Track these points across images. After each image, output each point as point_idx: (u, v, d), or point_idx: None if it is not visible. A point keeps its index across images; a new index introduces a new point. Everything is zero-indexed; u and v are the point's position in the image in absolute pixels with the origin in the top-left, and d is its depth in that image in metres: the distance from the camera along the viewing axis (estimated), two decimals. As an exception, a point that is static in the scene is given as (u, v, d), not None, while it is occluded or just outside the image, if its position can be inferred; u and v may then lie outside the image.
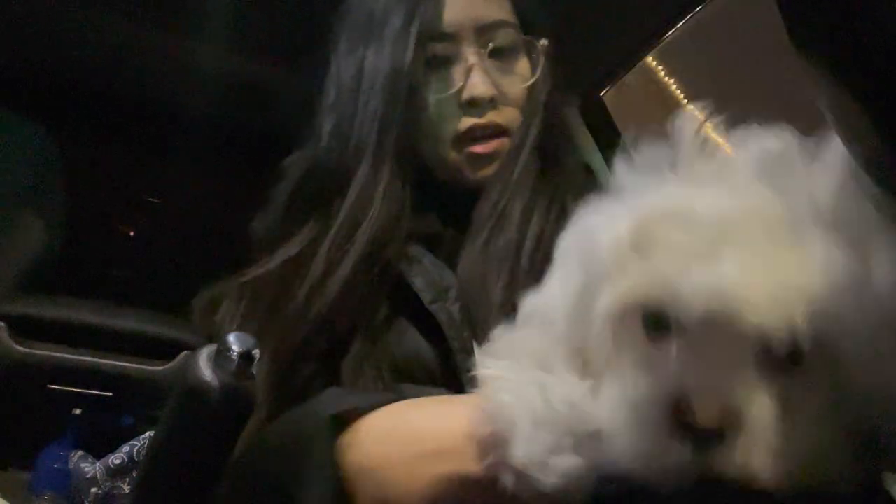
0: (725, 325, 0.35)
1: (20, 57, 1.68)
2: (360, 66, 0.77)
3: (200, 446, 0.55)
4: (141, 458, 1.27)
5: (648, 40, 1.35)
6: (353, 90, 0.78)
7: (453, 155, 0.77)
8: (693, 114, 0.43)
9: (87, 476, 1.29)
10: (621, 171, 0.44)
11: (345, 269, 0.70)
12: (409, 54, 0.74)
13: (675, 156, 0.43)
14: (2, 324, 1.35)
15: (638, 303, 0.39)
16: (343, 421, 0.55)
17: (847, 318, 0.35)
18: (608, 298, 0.40)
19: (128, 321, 1.45)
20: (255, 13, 1.42)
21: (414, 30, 0.74)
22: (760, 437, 0.35)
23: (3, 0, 1.48)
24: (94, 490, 1.28)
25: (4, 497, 1.15)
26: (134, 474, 1.28)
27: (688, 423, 0.35)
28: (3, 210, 1.51)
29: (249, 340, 0.54)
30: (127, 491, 1.27)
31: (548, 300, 0.48)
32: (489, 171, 0.77)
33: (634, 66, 1.46)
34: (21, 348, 1.35)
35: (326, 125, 0.80)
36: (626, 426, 0.38)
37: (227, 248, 0.79)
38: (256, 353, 0.54)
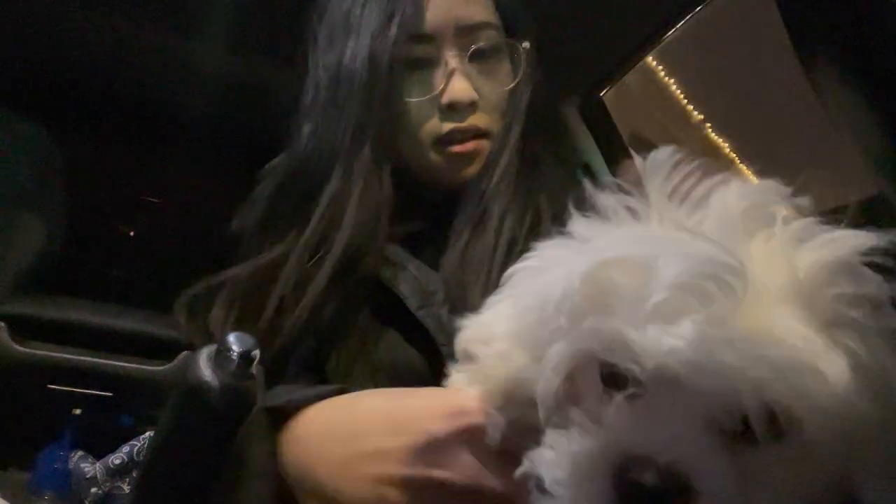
0: (677, 387, 0.34)
1: (20, 57, 1.68)
2: (338, 65, 0.75)
3: (200, 446, 0.55)
4: (141, 458, 1.27)
5: (648, 40, 1.34)
6: (331, 91, 0.76)
7: (433, 157, 0.76)
8: (664, 156, 0.39)
9: (87, 476, 1.29)
10: (578, 216, 0.41)
11: (319, 279, 0.69)
12: (388, 55, 0.72)
13: (641, 200, 0.39)
14: (2, 324, 1.35)
15: (592, 356, 0.37)
16: (286, 416, 0.54)
17: (809, 398, 0.33)
18: (562, 349, 0.38)
19: (128, 321, 1.45)
20: (254, 13, 1.42)
21: (393, 29, 0.72)
22: None
23: (2, 0, 1.48)
24: (94, 490, 1.29)
25: (4, 497, 1.15)
26: (134, 474, 1.28)
27: (630, 484, 0.33)
28: (3, 210, 1.51)
29: (249, 340, 0.54)
30: (127, 491, 1.27)
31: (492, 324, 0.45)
32: (469, 171, 0.76)
33: (634, 66, 1.46)
34: (21, 348, 1.36)
35: (305, 127, 0.78)
36: (568, 481, 0.36)
37: (227, 248, 0.79)
38: (256, 353, 0.54)
